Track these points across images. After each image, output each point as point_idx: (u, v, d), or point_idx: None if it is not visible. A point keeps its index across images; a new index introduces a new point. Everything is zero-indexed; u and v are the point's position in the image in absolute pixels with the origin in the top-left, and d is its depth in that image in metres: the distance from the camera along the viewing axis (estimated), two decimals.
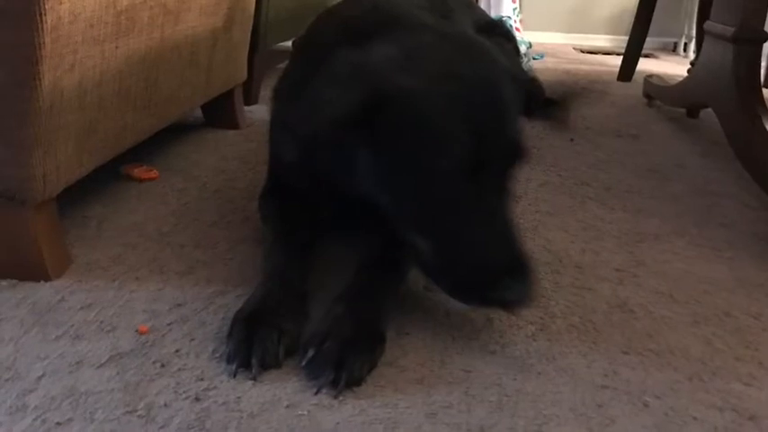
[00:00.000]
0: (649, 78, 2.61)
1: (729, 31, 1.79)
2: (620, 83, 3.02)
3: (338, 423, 0.83)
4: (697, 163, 1.92)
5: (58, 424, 0.81)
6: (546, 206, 1.55)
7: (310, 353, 0.92)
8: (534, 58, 3.40)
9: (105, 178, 1.45)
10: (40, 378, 0.88)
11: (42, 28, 0.95)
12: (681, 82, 2.29)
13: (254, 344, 0.92)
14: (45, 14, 0.95)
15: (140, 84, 1.31)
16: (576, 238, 1.39)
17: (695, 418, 0.88)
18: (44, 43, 0.96)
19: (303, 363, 0.92)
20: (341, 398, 0.88)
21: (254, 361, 0.91)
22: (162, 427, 0.81)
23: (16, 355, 0.92)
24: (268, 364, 0.92)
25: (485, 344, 1.01)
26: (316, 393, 0.88)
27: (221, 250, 1.24)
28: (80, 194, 1.34)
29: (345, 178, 1.05)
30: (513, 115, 1.01)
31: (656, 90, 2.52)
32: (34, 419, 0.81)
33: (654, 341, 1.05)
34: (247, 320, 0.95)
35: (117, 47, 1.18)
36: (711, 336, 1.07)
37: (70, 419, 0.82)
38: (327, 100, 0.95)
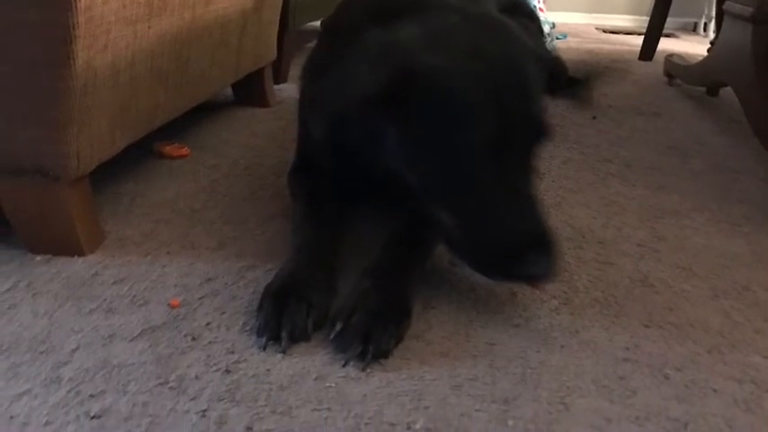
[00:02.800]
0: (670, 57, 2.55)
1: (748, 11, 1.73)
2: (642, 62, 2.95)
3: (365, 395, 0.82)
4: (716, 140, 1.87)
5: (92, 396, 0.80)
6: (569, 183, 1.51)
7: (338, 326, 0.90)
8: (557, 38, 3.34)
9: (138, 156, 1.44)
10: (74, 351, 0.88)
11: (76, 8, 0.93)
12: (701, 61, 2.22)
13: (283, 317, 0.91)
14: None
15: (172, 63, 1.29)
16: (598, 213, 1.36)
17: (715, 390, 0.86)
18: (77, 23, 0.94)
19: (331, 336, 0.90)
20: (368, 370, 0.86)
21: (283, 334, 0.89)
22: (193, 399, 0.80)
23: (51, 329, 0.92)
24: (297, 337, 0.90)
25: (509, 317, 0.99)
26: (344, 366, 0.87)
27: (251, 226, 1.22)
28: (113, 171, 1.33)
29: (373, 155, 1.03)
30: (537, 94, 0.98)
31: (676, 69, 2.45)
32: (68, 391, 0.80)
33: (674, 315, 1.02)
34: (277, 294, 0.94)
35: (149, 27, 1.16)
36: (730, 309, 1.05)
37: (103, 391, 0.81)
38: (356, 78, 0.93)
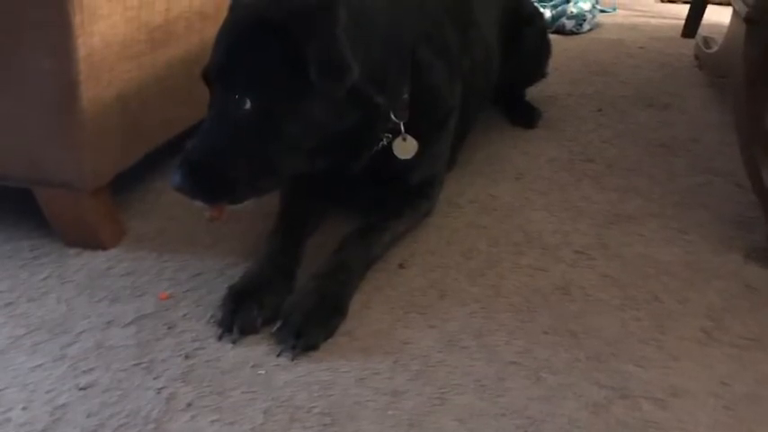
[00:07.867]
0: (700, 40, 2.54)
1: (744, 9, 1.77)
2: (684, 39, 2.92)
3: (286, 382, 1.04)
4: (712, 137, 1.91)
5: (84, 371, 1.05)
6: (542, 185, 1.63)
7: (279, 323, 1.12)
8: (603, 11, 3.33)
9: (172, 152, 1.66)
10: (80, 333, 1.13)
11: (76, 58, 1.16)
12: (715, 51, 2.25)
13: (237, 314, 1.13)
14: (77, 49, 1.15)
15: (182, 81, 1.47)
16: (554, 218, 1.48)
17: (575, 393, 1.02)
18: (80, 70, 1.17)
19: (273, 330, 1.12)
20: (296, 361, 1.07)
21: (235, 328, 1.12)
22: (156, 378, 1.04)
23: (68, 314, 1.18)
24: (246, 331, 1.12)
25: (429, 319, 1.17)
26: (277, 356, 1.08)
27: (244, 224, 1.43)
28: (149, 168, 1.57)
29: None
30: None
31: (700, 53, 2.46)
32: (69, 367, 1.06)
33: (577, 323, 1.16)
34: (236, 294, 1.16)
35: (154, 58, 1.38)
36: (630, 319, 1.17)
37: (93, 368, 1.06)
38: None
